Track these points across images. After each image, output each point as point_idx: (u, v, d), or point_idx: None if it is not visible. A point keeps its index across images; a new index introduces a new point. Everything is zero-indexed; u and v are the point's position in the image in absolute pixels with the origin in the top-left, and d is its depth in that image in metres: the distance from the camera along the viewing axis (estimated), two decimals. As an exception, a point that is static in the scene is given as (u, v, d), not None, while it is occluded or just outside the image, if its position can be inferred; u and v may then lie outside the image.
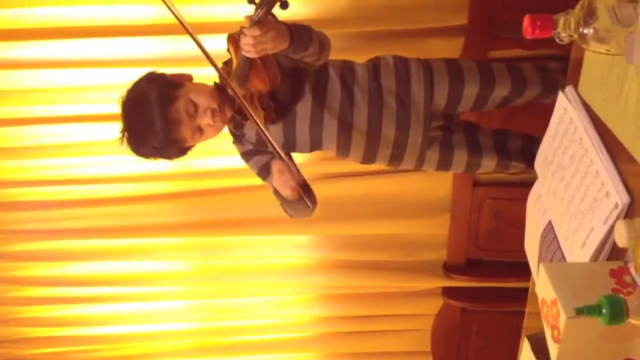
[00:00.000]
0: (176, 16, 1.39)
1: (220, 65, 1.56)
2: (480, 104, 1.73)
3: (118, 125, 1.59)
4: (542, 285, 1.07)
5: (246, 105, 1.48)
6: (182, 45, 2.18)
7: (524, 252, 2.61)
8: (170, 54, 2.20)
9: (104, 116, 2.34)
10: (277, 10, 1.38)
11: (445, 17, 2.12)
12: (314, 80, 1.64)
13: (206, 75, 2.20)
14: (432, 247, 2.71)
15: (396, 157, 1.73)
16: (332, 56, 2.11)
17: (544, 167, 1.40)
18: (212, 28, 2.09)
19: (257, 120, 1.49)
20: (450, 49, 2.15)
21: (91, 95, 2.30)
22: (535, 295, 1.52)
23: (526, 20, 0.96)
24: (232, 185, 2.54)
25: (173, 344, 3.05)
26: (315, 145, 1.70)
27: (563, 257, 1.27)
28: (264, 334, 3.00)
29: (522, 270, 2.64)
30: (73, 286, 2.82)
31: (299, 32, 1.47)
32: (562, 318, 0.96)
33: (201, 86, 1.62)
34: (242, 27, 1.46)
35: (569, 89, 1.29)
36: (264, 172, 1.70)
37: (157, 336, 3.01)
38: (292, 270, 2.78)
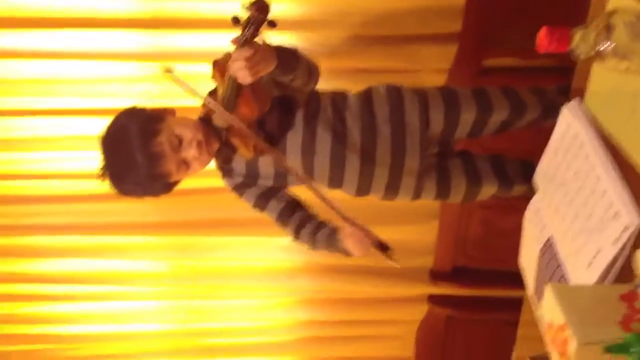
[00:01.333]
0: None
1: (205, 95, 1.51)
2: (479, 129, 1.67)
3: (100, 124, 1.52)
4: (549, 308, 1.01)
5: (243, 128, 1.45)
6: (177, 39, 2.13)
7: (511, 261, 2.57)
8: (163, 48, 2.15)
9: (80, 110, 2.28)
10: (265, 30, 1.34)
11: (439, 23, 2.07)
12: (304, 109, 1.58)
13: (197, 72, 2.13)
14: (419, 254, 2.67)
15: (392, 188, 1.66)
16: (323, 59, 2.05)
17: (544, 181, 1.34)
18: (196, 24, 2.06)
19: (246, 151, 1.49)
20: (442, 56, 2.10)
21: (83, 88, 2.24)
22: (528, 310, 1.49)
23: (542, 33, 0.88)
24: (213, 185, 2.42)
25: (148, 345, 2.98)
26: (306, 174, 1.62)
27: (564, 275, 1.22)
28: (244, 337, 2.94)
29: (509, 279, 2.64)
30: (43, 283, 2.73)
31: (285, 53, 1.43)
32: (573, 345, 0.91)
33: (185, 119, 1.55)
34: (227, 53, 1.42)
35: (574, 102, 1.22)
36: (262, 202, 1.64)
37: (131, 336, 2.94)
38: (275, 273, 2.72)
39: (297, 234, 1.68)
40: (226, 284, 2.73)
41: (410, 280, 2.70)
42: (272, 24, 1.33)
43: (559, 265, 1.25)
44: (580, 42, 0.85)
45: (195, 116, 1.58)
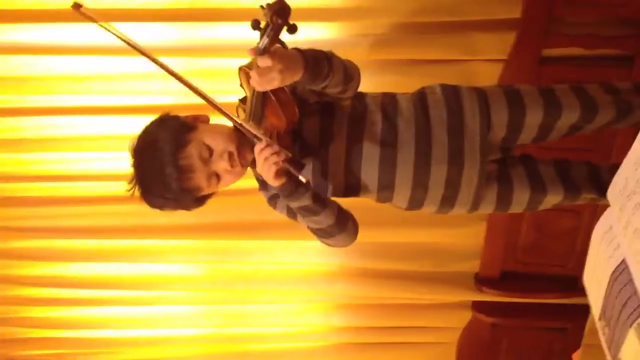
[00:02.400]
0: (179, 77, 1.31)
1: (237, 102, 1.42)
2: (545, 133, 1.53)
3: (127, 122, 1.45)
4: (632, 351, 0.89)
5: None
6: (196, 32, 2.04)
7: (564, 266, 2.51)
8: (182, 42, 2.06)
9: (113, 108, 2.22)
10: (285, 36, 1.21)
11: (497, 9, 1.93)
12: (348, 116, 1.45)
13: (223, 67, 2.05)
14: (464, 258, 2.57)
15: (448, 199, 1.52)
16: (369, 50, 1.93)
17: (621, 197, 1.19)
18: (232, 15, 1.96)
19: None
20: (499, 45, 1.98)
21: (95, 85, 2.16)
22: (592, 332, 1.36)
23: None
24: (251, 186, 2.37)
25: (183, 350, 2.96)
26: (351, 190, 1.51)
27: (640, 305, 1.09)
28: (279, 342, 2.90)
29: (559, 285, 2.56)
30: (78, 287, 2.71)
31: (315, 59, 1.29)
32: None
33: (218, 127, 1.45)
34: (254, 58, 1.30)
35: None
36: (292, 212, 1.53)
37: (166, 341, 2.91)
38: (312, 277, 2.65)
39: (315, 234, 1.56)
40: (262, 288, 2.67)
41: (455, 287, 2.61)
42: (293, 30, 1.20)
43: (634, 294, 1.13)
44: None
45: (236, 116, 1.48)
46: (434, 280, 2.59)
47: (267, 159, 1.33)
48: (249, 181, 2.32)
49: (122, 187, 2.34)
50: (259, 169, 1.38)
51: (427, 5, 1.93)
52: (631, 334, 0.89)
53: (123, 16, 1.98)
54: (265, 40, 1.19)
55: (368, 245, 2.52)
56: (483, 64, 2.06)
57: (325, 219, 1.45)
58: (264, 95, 1.33)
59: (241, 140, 1.42)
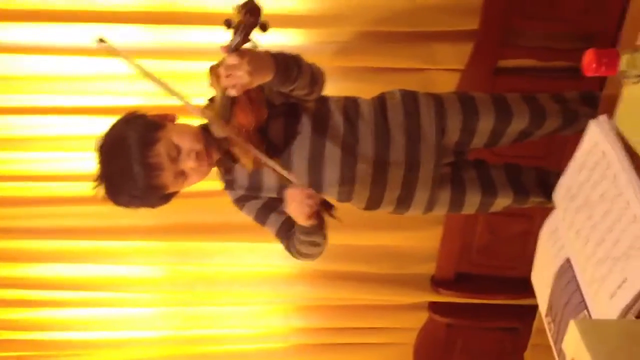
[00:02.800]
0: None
1: (205, 101, 1.43)
2: (496, 138, 1.60)
3: (91, 122, 1.45)
4: (573, 344, 0.94)
5: (237, 140, 1.37)
6: (174, 35, 2.05)
7: (516, 268, 2.59)
8: (168, 44, 2.07)
9: (79, 109, 2.21)
10: (259, 35, 1.24)
11: (455, 20, 1.99)
12: (312, 117, 1.50)
13: (195, 71, 2.06)
14: (421, 260, 2.63)
15: (404, 200, 1.59)
16: (334, 57, 1.97)
17: (565, 199, 1.27)
18: (205, 19, 1.98)
19: (255, 151, 1.37)
20: (457, 55, 2.04)
21: (63, 85, 2.16)
22: (540, 332, 1.43)
23: (590, 56, 0.81)
24: (212, 188, 2.37)
25: (144, 352, 2.92)
26: (314, 187, 1.53)
27: (583, 300, 1.16)
28: (240, 344, 2.89)
29: (511, 286, 2.63)
30: (36, 289, 2.68)
31: (285, 62, 1.34)
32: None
33: (185, 127, 1.47)
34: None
35: (602, 118, 1.16)
36: (262, 216, 1.57)
37: (127, 343, 2.88)
38: (273, 279, 2.67)
39: (290, 249, 1.60)
40: (223, 290, 2.67)
41: (412, 288, 2.66)
42: (264, 28, 1.24)
43: (577, 290, 1.20)
44: (628, 66, 0.78)
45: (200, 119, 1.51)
46: (392, 282, 2.63)
47: (302, 202, 1.37)
48: (209, 183, 2.33)
49: (83, 188, 2.39)
50: (288, 208, 1.42)
51: (389, 15, 1.97)
52: (572, 326, 0.94)
53: (97, 18, 1.99)
54: (237, 38, 1.22)
55: (328, 247, 2.54)
56: (442, 73, 2.11)
57: (323, 246, 1.54)
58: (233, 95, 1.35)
59: (208, 140, 1.45)
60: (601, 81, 1.97)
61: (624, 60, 0.80)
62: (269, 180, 1.53)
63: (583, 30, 2.02)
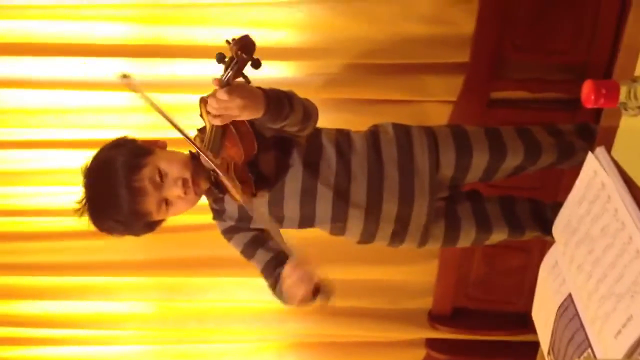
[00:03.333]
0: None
1: (195, 132, 1.42)
2: (491, 174, 1.59)
3: (79, 156, 1.47)
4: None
5: (224, 175, 1.33)
6: (159, 68, 2.04)
7: (514, 303, 2.54)
8: (157, 77, 2.05)
9: (63, 142, 2.20)
10: (250, 71, 1.24)
11: (446, 53, 1.99)
12: (305, 151, 1.48)
13: (185, 103, 2.04)
14: (417, 295, 2.57)
15: (398, 235, 1.57)
16: (324, 88, 1.96)
17: (565, 233, 1.23)
18: (193, 52, 1.98)
19: (237, 194, 1.35)
20: (448, 87, 2.03)
21: (48, 119, 2.14)
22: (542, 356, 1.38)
23: (588, 87, 0.78)
24: (203, 222, 2.32)
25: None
26: (305, 222, 1.54)
27: (587, 338, 1.12)
28: (232, 383, 2.82)
29: (511, 322, 2.59)
30: (21, 327, 2.62)
31: (277, 99, 1.32)
32: None
33: (174, 154, 1.47)
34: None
35: (600, 150, 1.13)
36: (249, 250, 1.54)
37: (115, 382, 2.81)
38: (266, 315, 2.60)
39: (274, 289, 1.56)
40: (215, 327, 2.62)
41: (408, 324, 2.60)
42: (256, 65, 1.23)
43: (580, 328, 1.16)
44: (628, 97, 0.75)
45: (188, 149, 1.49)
46: (387, 318, 2.58)
47: (297, 285, 1.33)
48: (201, 217, 2.32)
49: (71, 223, 2.35)
50: (283, 284, 1.38)
51: (380, 47, 1.97)
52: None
53: (83, 51, 1.99)
54: (229, 73, 1.21)
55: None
56: (434, 105, 2.10)
57: None
58: (224, 127, 1.34)
59: (196, 169, 1.43)
60: (597, 112, 1.99)
61: (623, 92, 0.77)
62: (259, 211, 1.49)
63: (575, 62, 2.02)
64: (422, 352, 2.70)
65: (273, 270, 1.52)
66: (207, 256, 2.40)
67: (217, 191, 1.49)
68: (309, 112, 1.42)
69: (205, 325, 2.61)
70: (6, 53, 1.99)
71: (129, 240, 2.35)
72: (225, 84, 1.22)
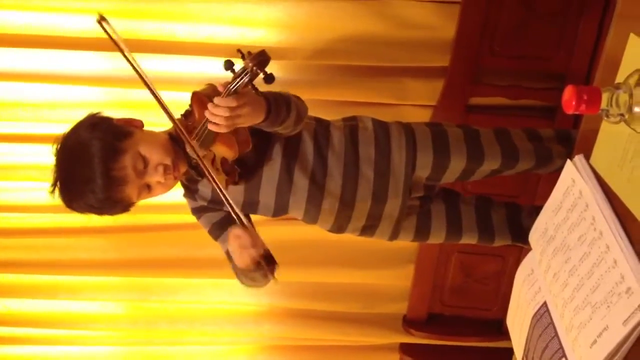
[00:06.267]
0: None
1: (178, 116, 1.36)
2: (467, 175, 1.59)
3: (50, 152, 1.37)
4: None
5: (208, 168, 1.28)
6: (150, 64, 1.98)
7: (489, 309, 2.54)
8: (119, 72, 1.99)
9: (35, 137, 2.14)
10: (259, 83, 1.21)
11: (426, 57, 1.99)
12: (284, 142, 1.46)
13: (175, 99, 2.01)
14: (392, 300, 2.57)
15: (369, 228, 1.58)
16: (303, 89, 1.95)
17: (541, 241, 1.22)
18: (171, 48, 1.96)
19: (218, 183, 1.30)
20: (428, 91, 2.03)
21: (22, 113, 2.10)
22: None
23: (569, 93, 0.76)
24: (176, 221, 2.34)
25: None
26: (279, 210, 1.52)
27: (561, 347, 1.12)
28: (204, 385, 2.78)
29: (485, 328, 2.59)
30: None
31: (277, 106, 1.30)
32: None
33: (153, 136, 1.40)
34: (209, 85, 1.31)
35: (578, 158, 1.12)
36: (217, 230, 1.51)
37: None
38: (239, 317, 2.58)
39: (236, 272, 1.50)
40: (187, 328, 2.58)
41: (383, 328, 2.59)
42: (269, 80, 1.20)
43: (555, 336, 1.15)
44: (610, 104, 0.73)
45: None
46: (362, 322, 2.57)
47: (245, 248, 1.30)
48: (173, 216, 2.30)
49: (41, 219, 2.29)
50: (231, 249, 1.35)
51: (361, 50, 1.97)
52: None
53: (54, 43, 1.95)
54: (238, 82, 1.19)
55: (296, 285, 2.49)
56: (413, 108, 2.11)
57: (263, 284, 1.44)
58: None
59: (177, 152, 1.38)
60: (575, 120, 1.99)
61: (605, 98, 0.76)
62: (233, 197, 1.46)
63: (555, 69, 2.02)
64: (396, 356, 2.69)
65: None
66: (179, 256, 2.38)
67: (195, 173, 1.45)
68: (300, 116, 1.40)
69: (176, 326, 2.58)
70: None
71: (100, 239, 2.35)
72: (233, 92, 1.20)
